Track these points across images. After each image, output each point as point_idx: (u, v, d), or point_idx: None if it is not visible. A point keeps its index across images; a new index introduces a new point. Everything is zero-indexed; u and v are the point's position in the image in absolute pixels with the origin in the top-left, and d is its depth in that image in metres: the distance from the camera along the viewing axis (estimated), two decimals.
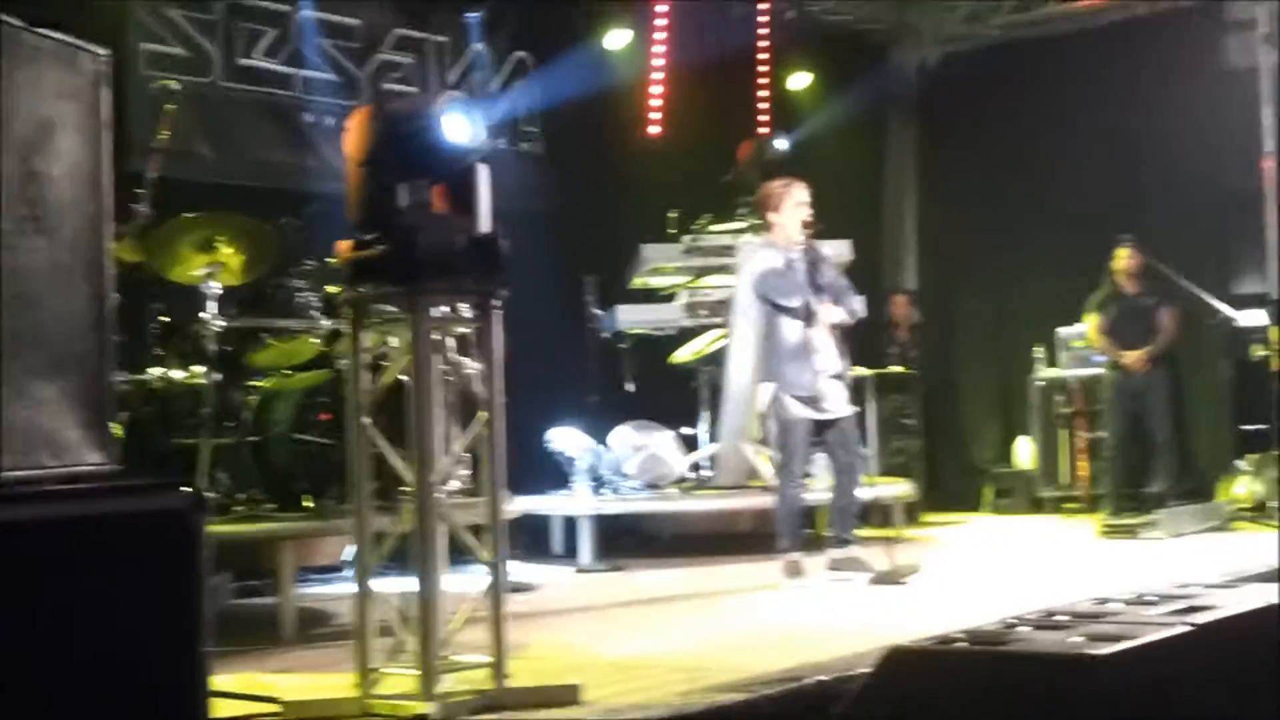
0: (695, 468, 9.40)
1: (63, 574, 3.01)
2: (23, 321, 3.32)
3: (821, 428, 7.41)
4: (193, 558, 3.20)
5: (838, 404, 7.39)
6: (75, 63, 3.58)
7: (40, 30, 3.47)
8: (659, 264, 9.43)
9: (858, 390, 8.66)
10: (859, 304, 7.77)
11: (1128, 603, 4.13)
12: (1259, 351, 10.49)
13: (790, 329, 7.36)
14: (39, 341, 3.37)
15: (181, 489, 3.24)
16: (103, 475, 3.49)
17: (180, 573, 3.19)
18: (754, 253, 7.74)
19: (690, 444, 9.50)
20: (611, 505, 8.64)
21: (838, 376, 7.40)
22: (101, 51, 3.66)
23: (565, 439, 8.94)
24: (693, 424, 9.67)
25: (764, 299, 7.49)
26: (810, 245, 7.41)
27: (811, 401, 7.33)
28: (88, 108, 3.60)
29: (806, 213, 7.40)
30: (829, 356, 7.38)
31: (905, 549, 7.92)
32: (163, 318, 6.15)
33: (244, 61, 8.81)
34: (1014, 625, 3.83)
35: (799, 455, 7.43)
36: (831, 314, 7.39)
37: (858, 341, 7.87)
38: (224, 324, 6.55)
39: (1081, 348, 11.10)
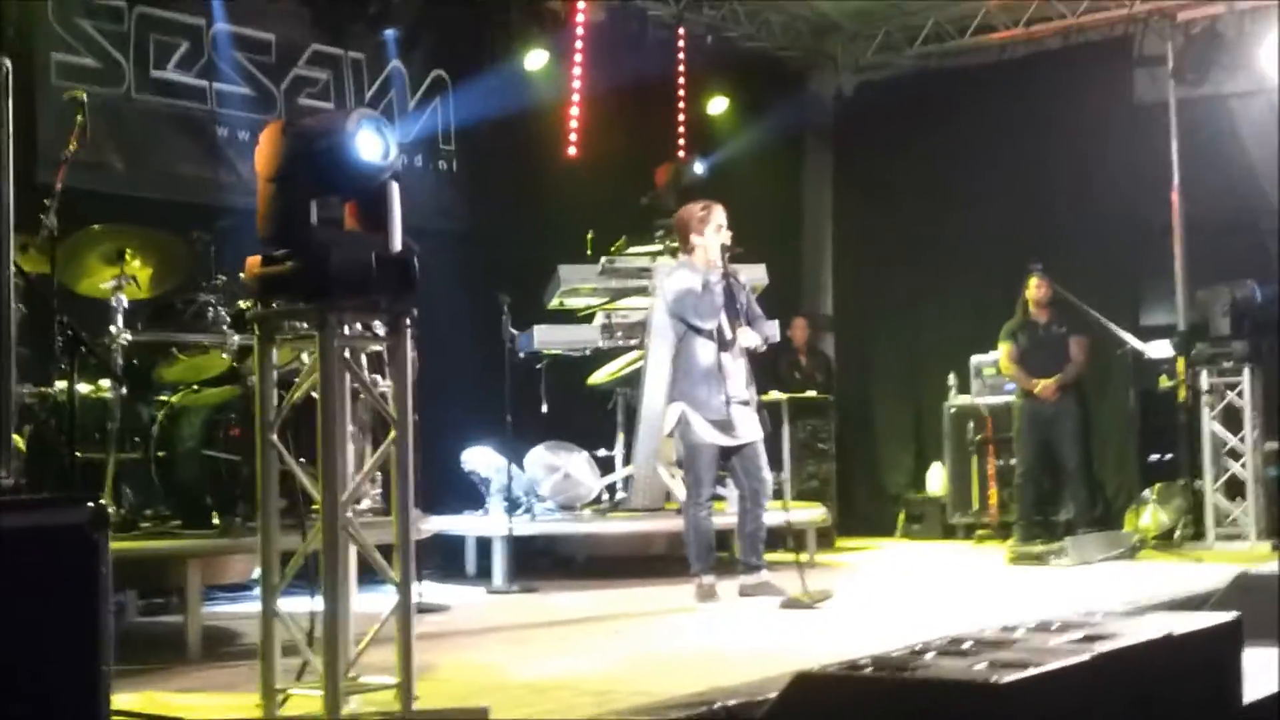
0: (610, 489, 9.38)
1: None
2: None
3: (729, 452, 7.42)
4: (95, 574, 3.14)
5: (746, 429, 7.39)
6: None
7: None
8: (576, 285, 9.41)
9: (773, 414, 8.68)
10: (773, 329, 7.80)
11: (1032, 630, 4.17)
12: (1165, 382, 10.69)
13: (704, 351, 7.36)
14: None
15: (84, 504, 3.18)
16: (2, 489, 3.41)
17: (82, 589, 3.13)
18: (671, 273, 7.75)
19: (605, 466, 9.49)
20: (525, 526, 8.60)
21: (746, 402, 7.41)
22: (3, 61, 3.58)
23: (480, 459, 8.90)
24: (608, 446, 9.66)
25: (679, 319, 7.48)
26: (728, 269, 7.43)
27: (721, 425, 7.33)
28: None
29: (726, 235, 7.42)
30: (739, 381, 7.38)
31: (818, 574, 7.95)
32: (69, 330, 6.03)
33: (157, 74, 8.69)
34: (921, 652, 3.85)
35: (706, 479, 7.42)
36: (748, 338, 7.41)
37: (763, 366, 7.88)
38: (131, 338, 6.46)
39: (994, 376, 11.22)
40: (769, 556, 7.63)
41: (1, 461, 3.43)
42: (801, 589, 7.14)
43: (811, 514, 9.42)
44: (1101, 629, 4.10)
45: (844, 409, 11.95)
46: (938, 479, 11.76)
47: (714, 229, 7.43)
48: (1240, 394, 9.96)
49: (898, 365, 12.69)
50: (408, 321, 4.53)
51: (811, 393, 11.41)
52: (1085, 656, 3.70)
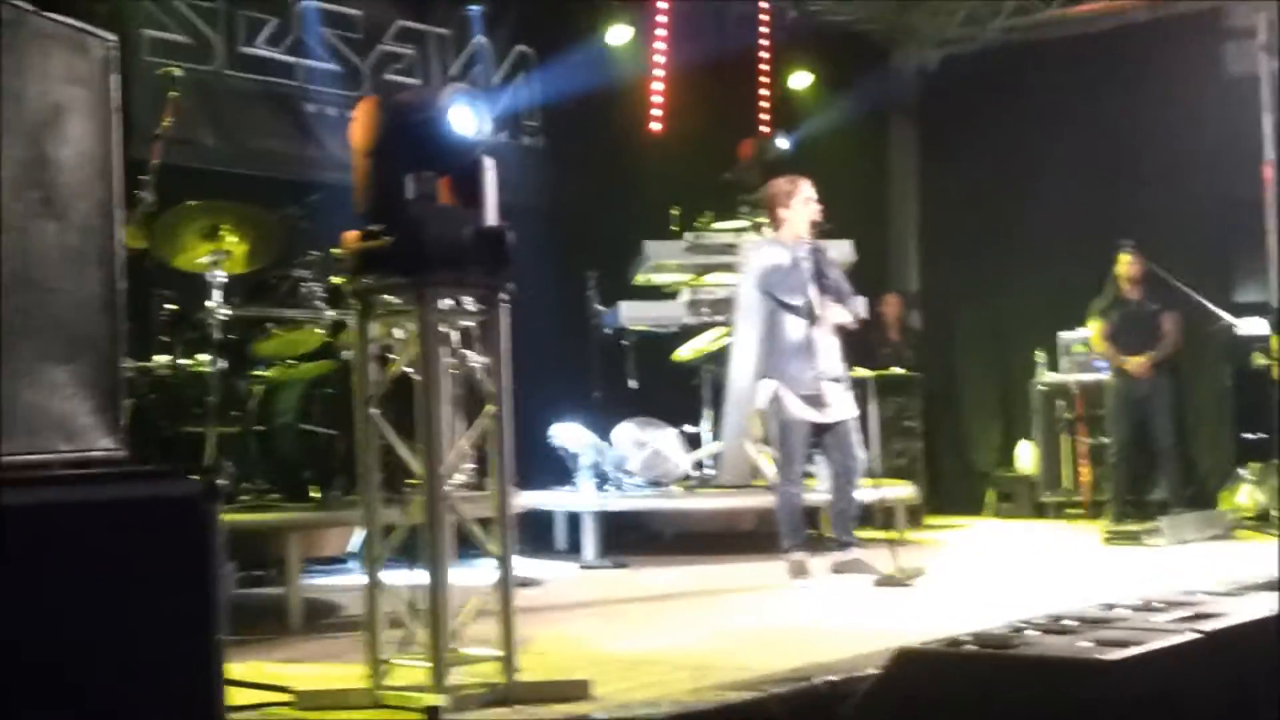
0: (698, 466, 9.37)
1: (78, 559, 2.98)
2: (34, 305, 3.28)
3: (821, 430, 7.38)
4: (207, 544, 3.17)
5: (839, 407, 7.36)
6: (84, 47, 3.54)
7: (49, 15, 3.43)
8: (662, 261, 9.41)
9: (859, 392, 8.62)
10: (861, 306, 7.75)
11: (1134, 609, 4.12)
12: (1259, 359, 10.48)
13: (793, 327, 7.32)
14: (50, 325, 3.33)
15: (196, 476, 3.21)
16: (115, 460, 3.46)
17: (195, 560, 3.16)
18: (759, 249, 7.71)
19: (693, 442, 9.47)
20: (615, 502, 8.61)
21: (838, 379, 7.36)
22: (110, 37, 3.62)
23: (569, 435, 8.91)
24: (695, 422, 9.64)
25: (767, 295, 7.46)
26: (816, 245, 7.38)
27: (812, 401, 7.30)
28: (97, 93, 3.56)
29: (815, 209, 7.38)
30: (831, 358, 7.34)
31: (908, 552, 7.89)
32: (169, 305, 6.11)
33: (246, 50, 8.77)
34: (1021, 629, 3.82)
35: (798, 455, 7.39)
36: (837, 314, 7.36)
37: (852, 343, 7.84)
38: (229, 312, 6.52)
39: (1082, 353, 11.09)
40: (859, 534, 7.59)
41: (114, 434, 3.46)
42: (894, 566, 7.09)
43: (901, 491, 9.35)
44: (1206, 608, 4.04)
45: (930, 386, 11.85)
46: (1027, 456, 11.64)
47: (801, 203, 7.39)
48: None
49: (984, 342, 12.57)
50: (503, 296, 4.53)
51: (898, 370, 11.31)
52: (1193, 635, 3.66)
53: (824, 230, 7.48)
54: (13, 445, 3.16)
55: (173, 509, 3.18)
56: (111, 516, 3.07)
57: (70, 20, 3.51)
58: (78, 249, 3.43)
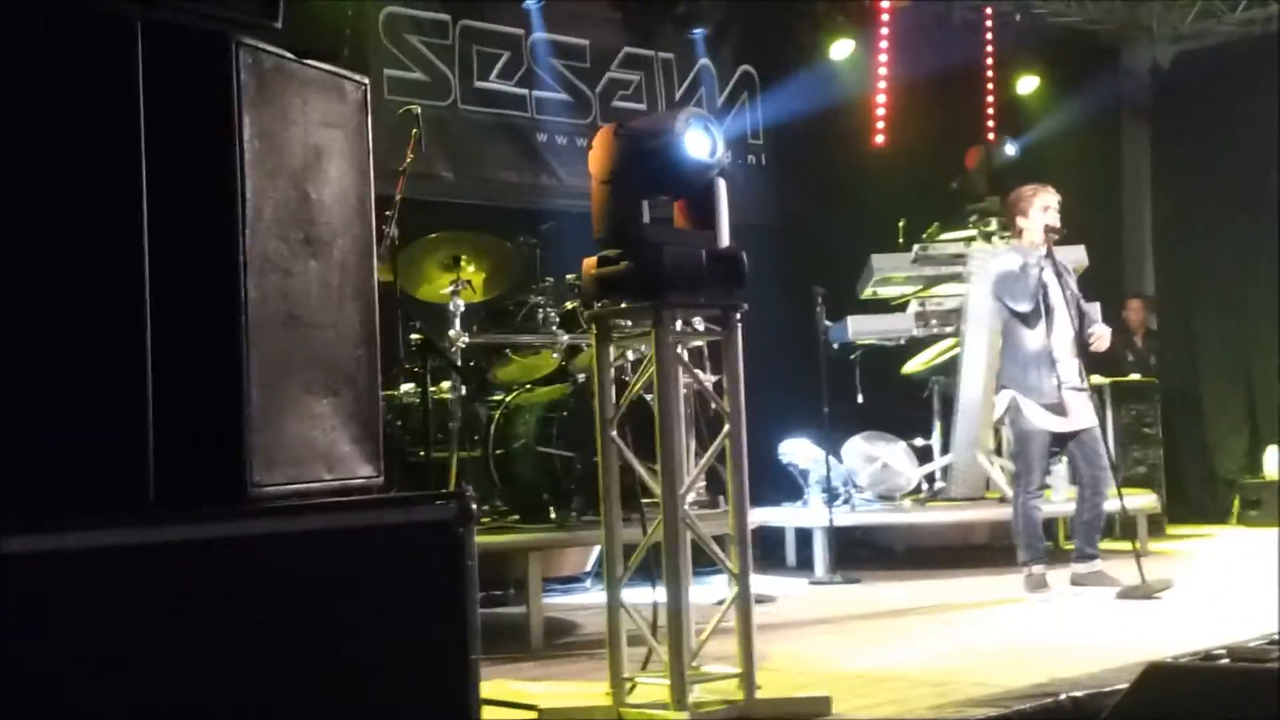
0: (929, 479, 9.30)
1: (344, 582, 3.16)
2: (299, 341, 3.47)
3: (1062, 439, 7.27)
4: (462, 566, 3.31)
5: (1081, 415, 7.23)
6: (340, 91, 3.71)
7: (308, 61, 3.62)
8: (888, 274, 9.38)
9: (1097, 399, 8.45)
10: (1095, 312, 7.63)
11: None
12: None
13: (1031, 335, 7.23)
14: (314, 360, 3.51)
15: (451, 501, 3.36)
16: (374, 488, 3.63)
17: (451, 582, 3.31)
18: (995, 256, 7.65)
19: (923, 455, 9.40)
20: (845, 517, 8.61)
21: (1080, 388, 7.24)
22: (362, 80, 3.80)
23: (797, 451, 8.94)
24: (925, 435, 9.57)
25: (998, 300, 7.41)
26: (1052, 252, 7.26)
27: (1053, 410, 7.19)
28: (353, 134, 3.72)
29: (1053, 217, 7.28)
30: (1071, 366, 7.23)
31: (1152, 562, 7.71)
32: (420, 335, 6.36)
33: (480, 84, 9.06)
34: (1278, 641, 3.72)
35: (1037, 466, 7.28)
36: (1102, 340, 7.31)
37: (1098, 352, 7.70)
38: (469, 340, 6.75)
39: None
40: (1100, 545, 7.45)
41: (373, 462, 3.64)
42: (1139, 578, 6.94)
43: (1142, 500, 9.13)
44: None
45: (1169, 391, 11.52)
46: (1275, 462, 11.21)
47: (1039, 210, 7.31)
48: None
49: (1226, 344, 12.16)
50: (738, 316, 4.61)
51: (1136, 375, 11.04)
52: None
53: (1059, 237, 7.37)
54: (281, 475, 3.35)
55: (429, 533, 3.34)
56: (374, 541, 3.25)
57: (326, 65, 3.69)
58: (338, 286, 3.60)
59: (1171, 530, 10.46)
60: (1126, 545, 7.95)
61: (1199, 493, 11.84)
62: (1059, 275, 7.24)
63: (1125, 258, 12.66)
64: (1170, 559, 8.85)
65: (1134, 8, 12.47)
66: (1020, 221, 7.37)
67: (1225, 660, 3.54)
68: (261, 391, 3.29)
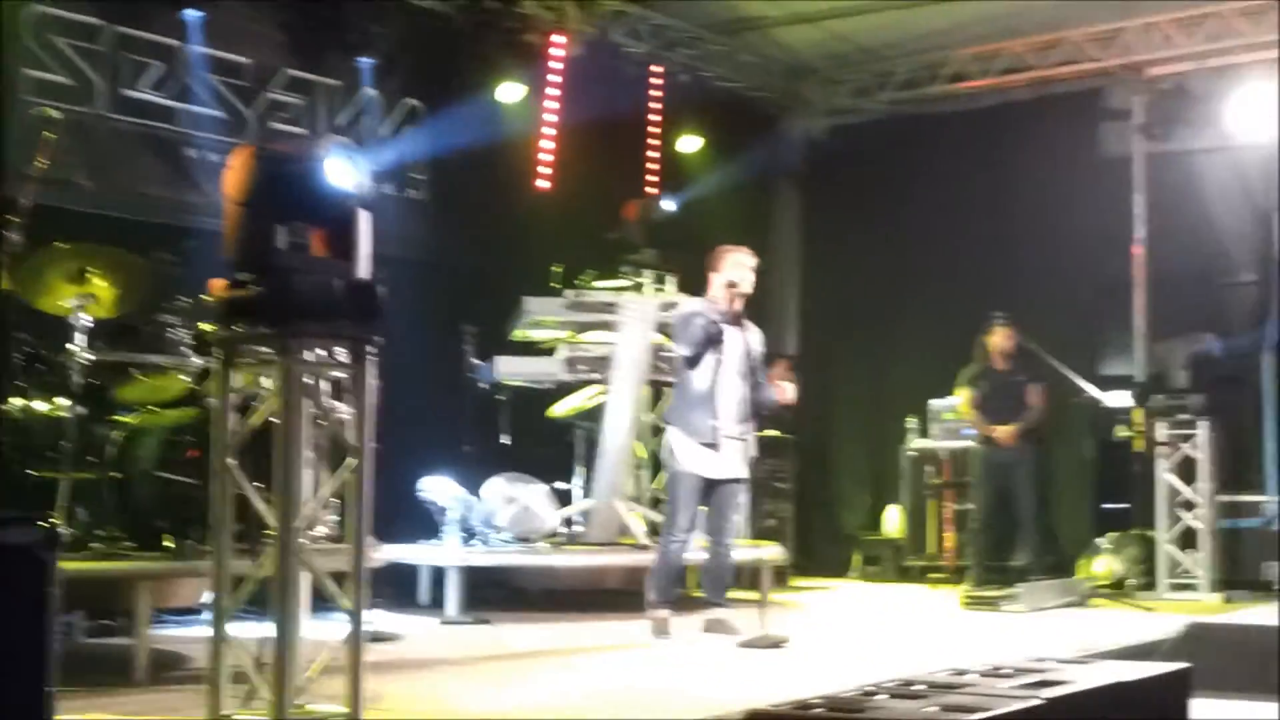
0: (567, 523, 9.37)
1: None
2: None
3: (710, 485, 7.44)
4: (43, 595, 3.14)
5: (731, 464, 7.43)
6: None
7: None
8: (540, 317, 9.43)
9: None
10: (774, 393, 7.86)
11: (983, 674, 4.21)
12: (1122, 432, 10.78)
13: (696, 378, 7.40)
14: None
15: (35, 524, 3.18)
16: None
17: (30, 610, 3.13)
18: (683, 305, 7.88)
19: (564, 499, 9.48)
20: (480, 557, 8.57)
21: (738, 438, 7.43)
22: None
23: (437, 488, 8.86)
24: (567, 479, 9.66)
25: (674, 340, 7.64)
26: (738, 317, 7.48)
27: (708, 449, 7.36)
28: None
29: (740, 275, 7.47)
30: (731, 416, 7.40)
31: (774, 613, 7.96)
32: (27, 348, 6.01)
33: (129, 93, 8.69)
34: (873, 693, 3.88)
35: (683, 509, 7.41)
36: (787, 393, 7.60)
37: None
38: (92, 357, 6.43)
39: (953, 420, 11.28)
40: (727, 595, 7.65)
41: None
42: (760, 628, 7.15)
43: (768, 552, 9.43)
44: (1052, 675, 4.15)
45: (804, 449, 11.98)
46: (894, 521, 11.81)
47: (731, 266, 7.50)
48: (1196, 446, 10.04)
49: (859, 407, 12.76)
50: (371, 350, 4.53)
51: (774, 431, 11.43)
52: (1035, 702, 3.76)
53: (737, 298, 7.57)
54: None
55: (10, 557, 3.15)
56: None
57: None
58: None
59: (796, 582, 10.86)
60: (753, 595, 8.21)
61: (824, 547, 12.33)
62: (745, 339, 7.47)
63: (771, 318, 13.10)
64: (791, 610, 9.17)
65: (794, 80, 13.04)
66: (712, 276, 7.56)
67: (821, 710, 3.66)
68: None
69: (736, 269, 7.50)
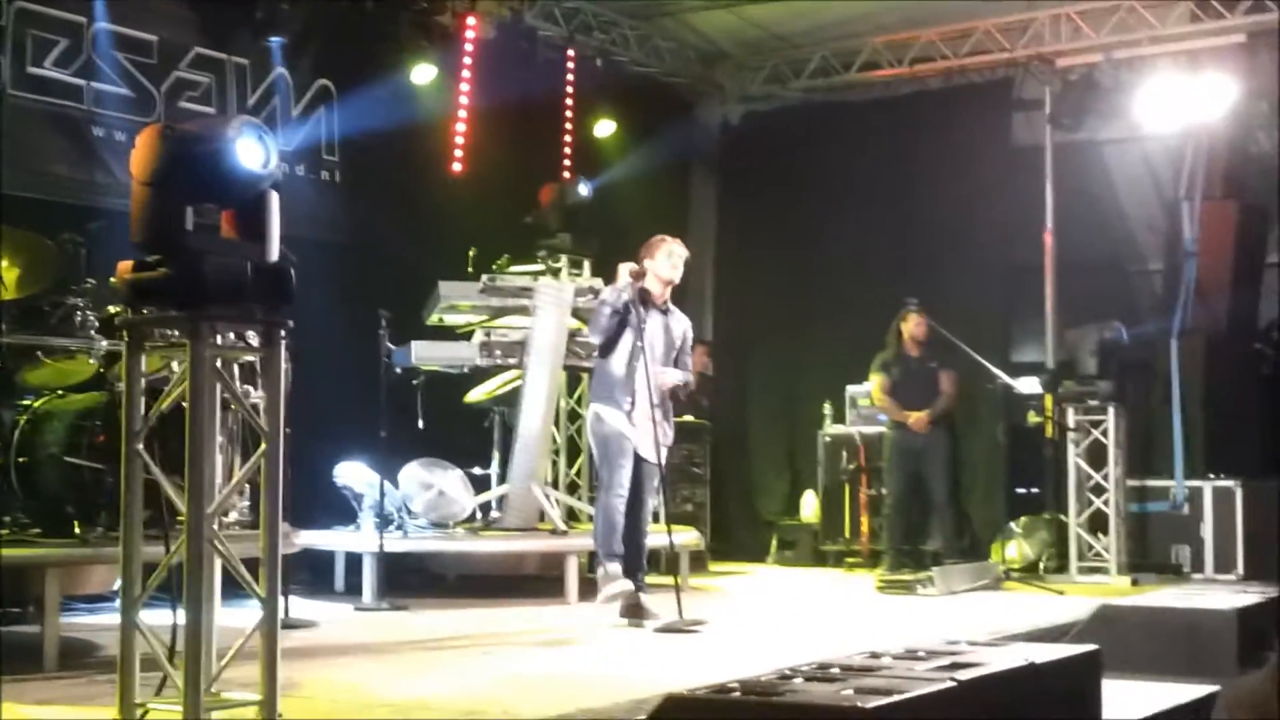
0: (484, 508, 9.32)
1: None
2: None
3: (638, 460, 7.51)
4: None
5: (645, 446, 7.47)
6: None
7: None
8: (455, 301, 9.36)
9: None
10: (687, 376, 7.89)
11: (897, 657, 4.23)
12: (1033, 418, 10.92)
13: (613, 363, 7.52)
14: None
15: None
16: None
17: None
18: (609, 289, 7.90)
19: (480, 484, 9.42)
20: (397, 543, 8.50)
21: (653, 421, 7.45)
22: None
23: (353, 474, 8.79)
24: (484, 464, 9.60)
25: (589, 325, 7.72)
26: (670, 308, 7.61)
27: (631, 428, 7.47)
28: None
29: (675, 266, 7.62)
30: (644, 400, 7.43)
31: (691, 598, 7.97)
32: None
33: (33, 70, 8.49)
34: (789, 676, 3.89)
35: (618, 466, 7.48)
36: (671, 376, 7.63)
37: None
38: None
39: (868, 406, 11.34)
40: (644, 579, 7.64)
41: None
42: (677, 612, 7.16)
43: (685, 537, 9.45)
44: (965, 657, 4.18)
45: (720, 434, 12.01)
46: (811, 506, 11.87)
47: (664, 257, 7.64)
48: (1105, 432, 10.20)
49: (775, 392, 12.80)
50: (282, 333, 4.46)
51: (690, 417, 11.45)
52: (949, 684, 3.78)
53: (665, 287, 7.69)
54: None
55: None
56: None
57: None
58: None
59: (713, 567, 10.89)
60: (670, 580, 8.22)
61: (741, 532, 12.38)
62: (669, 328, 7.62)
63: (688, 303, 13.10)
64: (709, 594, 9.20)
65: (709, 66, 13.06)
66: (646, 264, 7.63)
67: (738, 693, 3.66)
68: None
69: (673, 256, 7.61)
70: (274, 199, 4.49)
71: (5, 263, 6.45)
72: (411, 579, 9.00)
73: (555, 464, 10.08)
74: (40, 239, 6.67)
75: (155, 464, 4.37)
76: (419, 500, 8.91)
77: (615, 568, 7.40)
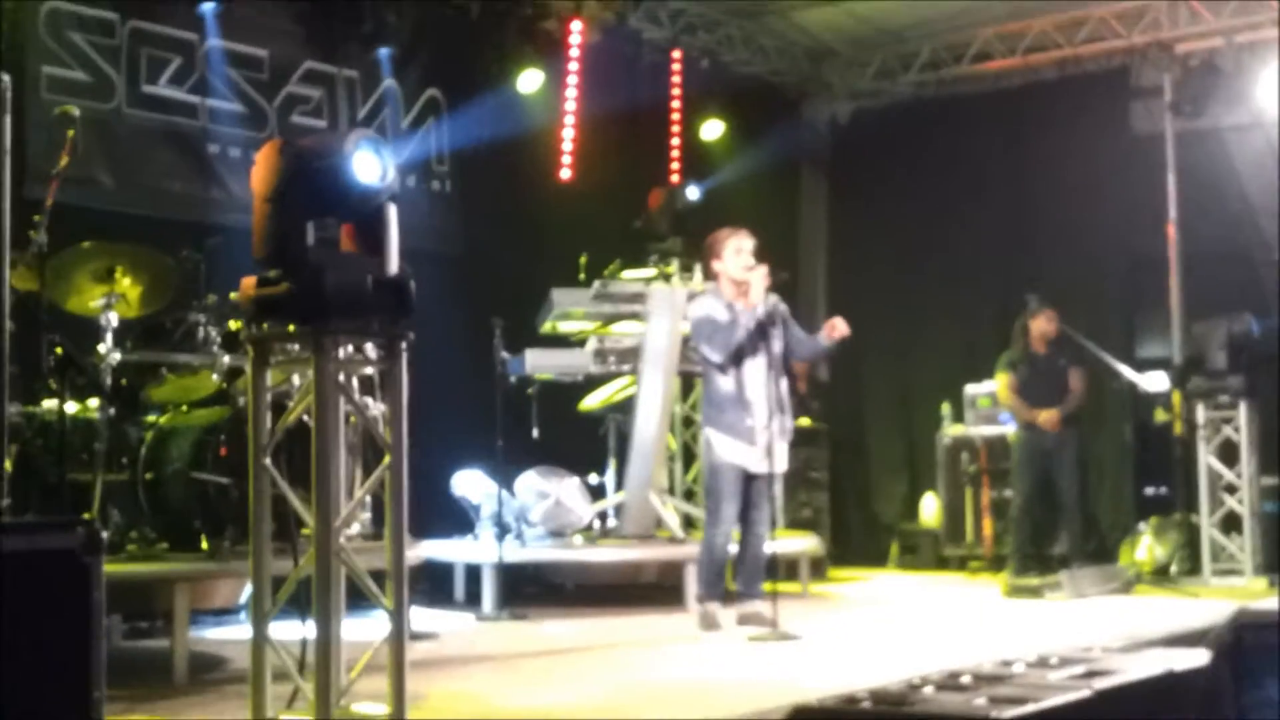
0: (601, 516, 9.28)
1: None
2: None
3: (749, 479, 7.33)
4: (88, 599, 3.07)
5: (771, 459, 7.32)
6: None
7: None
8: (568, 309, 9.33)
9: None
10: (818, 345, 7.73)
11: (1030, 665, 4.11)
12: (1161, 416, 10.63)
13: (723, 379, 7.32)
14: None
15: (77, 528, 3.11)
16: None
17: (75, 614, 3.07)
18: (695, 299, 7.77)
19: (596, 492, 9.39)
20: (515, 553, 8.49)
21: (775, 430, 7.32)
22: (2, 77, 3.51)
23: (470, 484, 8.80)
24: (599, 472, 9.57)
25: (695, 347, 7.47)
26: (770, 300, 7.37)
27: (746, 447, 7.26)
28: None
29: (746, 259, 7.35)
30: (763, 410, 7.28)
31: (811, 604, 7.86)
32: (57, 349, 5.94)
33: (148, 89, 8.61)
34: (918, 686, 3.79)
35: (726, 502, 7.31)
36: (837, 328, 7.52)
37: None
38: (120, 357, 6.37)
39: (987, 406, 11.14)
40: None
41: None
42: (775, 621, 7.04)
43: (805, 543, 9.33)
44: (1100, 664, 4.05)
45: (837, 438, 11.87)
46: (932, 510, 11.68)
47: (732, 252, 7.38)
48: (1236, 428, 9.89)
49: (891, 394, 12.61)
50: (403, 345, 4.46)
51: (806, 420, 11.33)
52: (1085, 693, 3.66)
53: (779, 280, 7.45)
54: None
55: (53, 562, 3.08)
56: None
57: None
58: None
59: (834, 573, 10.75)
60: (793, 587, 8.11)
61: (861, 537, 12.22)
62: (771, 323, 7.35)
63: (799, 305, 12.99)
64: (830, 601, 9.08)
65: (816, 64, 12.92)
66: (715, 265, 7.46)
67: (867, 703, 3.57)
68: None
69: (741, 254, 7.39)
70: (392, 212, 4.50)
71: (128, 281, 6.52)
72: (530, 588, 8.99)
73: (671, 471, 10.02)
74: (161, 256, 6.75)
75: (283, 478, 4.38)
76: (536, 509, 8.89)
77: (714, 607, 7.28)
